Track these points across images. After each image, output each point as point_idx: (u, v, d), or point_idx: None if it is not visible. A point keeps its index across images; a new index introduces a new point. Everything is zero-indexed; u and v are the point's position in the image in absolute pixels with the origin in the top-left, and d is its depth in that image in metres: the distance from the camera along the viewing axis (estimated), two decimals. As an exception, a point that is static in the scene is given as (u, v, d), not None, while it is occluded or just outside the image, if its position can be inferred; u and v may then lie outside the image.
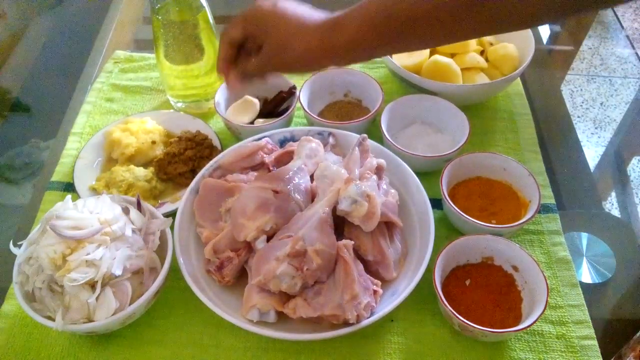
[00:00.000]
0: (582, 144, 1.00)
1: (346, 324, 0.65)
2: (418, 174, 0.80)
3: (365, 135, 0.79)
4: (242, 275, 0.73)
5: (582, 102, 2.12)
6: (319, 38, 0.64)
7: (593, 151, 1.88)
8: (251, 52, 0.70)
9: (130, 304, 0.66)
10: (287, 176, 0.74)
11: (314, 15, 0.66)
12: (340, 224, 0.72)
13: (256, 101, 0.95)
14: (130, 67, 1.11)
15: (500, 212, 0.81)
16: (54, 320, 0.64)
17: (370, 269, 0.71)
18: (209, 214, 0.76)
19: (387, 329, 0.73)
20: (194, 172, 0.85)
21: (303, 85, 0.95)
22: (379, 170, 0.76)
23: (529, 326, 0.66)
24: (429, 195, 0.77)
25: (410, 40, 0.63)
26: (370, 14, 0.62)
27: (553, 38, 1.29)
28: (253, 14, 0.68)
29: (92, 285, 0.65)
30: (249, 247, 0.71)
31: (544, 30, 1.26)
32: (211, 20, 0.93)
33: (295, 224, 0.68)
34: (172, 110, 0.99)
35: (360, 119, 0.90)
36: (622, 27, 2.47)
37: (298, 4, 0.67)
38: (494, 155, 0.84)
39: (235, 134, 0.93)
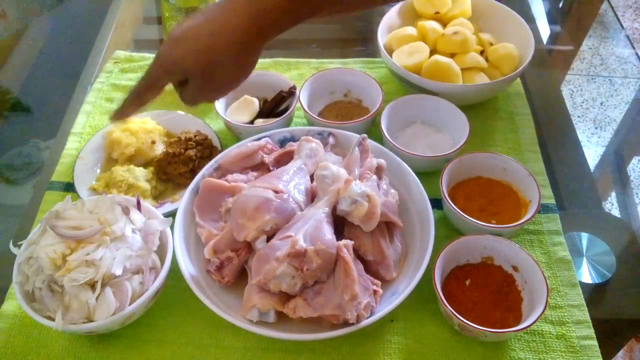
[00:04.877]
0: (582, 144, 1.00)
1: (346, 324, 0.65)
2: (418, 174, 0.80)
3: (365, 135, 0.79)
4: (242, 275, 0.73)
5: (582, 102, 2.12)
6: (242, 40, 0.61)
7: (593, 151, 1.88)
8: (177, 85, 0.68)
9: (130, 304, 0.66)
10: (287, 176, 0.74)
11: (223, 16, 0.61)
12: (340, 224, 0.72)
13: (256, 101, 0.95)
14: (130, 67, 1.11)
15: (500, 212, 0.81)
16: (54, 320, 0.64)
17: (370, 269, 0.71)
18: (209, 214, 0.76)
19: (387, 329, 0.73)
20: (194, 172, 0.85)
21: (303, 85, 0.95)
22: (379, 170, 0.76)
23: (529, 326, 0.66)
24: (429, 195, 0.77)
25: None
26: None
27: (553, 38, 1.29)
28: (170, 59, 0.64)
29: (92, 285, 0.65)
30: (249, 247, 0.71)
31: (544, 30, 1.26)
32: None
33: (295, 224, 0.68)
34: (172, 110, 0.99)
35: (360, 119, 0.90)
36: (622, 27, 2.47)
37: (205, 17, 0.63)
38: (494, 155, 0.84)
39: (235, 134, 0.93)
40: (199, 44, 0.61)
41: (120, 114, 0.69)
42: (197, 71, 0.63)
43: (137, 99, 0.68)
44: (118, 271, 0.65)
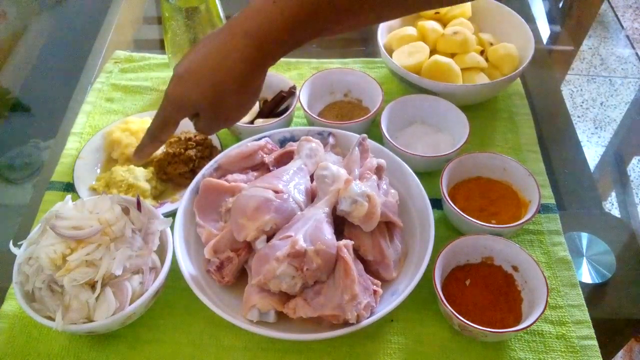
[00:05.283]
0: (582, 144, 1.00)
1: (346, 324, 0.65)
2: (418, 174, 0.80)
3: (365, 135, 0.79)
4: (242, 275, 0.73)
5: (582, 102, 2.12)
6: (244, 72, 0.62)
7: (593, 151, 1.88)
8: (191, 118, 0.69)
9: (130, 304, 0.66)
10: (287, 176, 0.74)
11: (225, 53, 0.62)
12: (340, 224, 0.72)
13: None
14: (130, 67, 1.11)
15: (500, 212, 0.81)
16: (54, 320, 0.64)
17: (370, 269, 0.71)
18: (209, 214, 0.76)
19: (387, 329, 0.73)
20: (194, 172, 0.85)
21: (303, 85, 0.95)
22: (379, 170, 0.76)
23: (529, 326, 0.66)
24: (429, 195, 0.77)
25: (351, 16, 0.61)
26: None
27: (553, 38, 1.29)
28: (178, 97, 0.65)
29: (92, 285, 0.65)
30: (249, 247, 0.71)
31: (544, 30, 1.26)
32: (219, 8, 0.93)
33: (295, 224, 0.68)
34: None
35: (360, 119, 0.90)
36: (622, 27, 2.47)
37: (205, 50, 0.63)
38: (494, 155, 0.84)
39: (235, 134, 0.93)
40: (204, 79, 0.63)
41: (141, 154, 0.70)
42: (205, 105, 0.64)
43: (154, 139, 0.69)
44: (118, 271, 0.65)
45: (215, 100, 0.64)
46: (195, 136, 0.90)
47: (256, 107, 0.95)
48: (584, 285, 0.78)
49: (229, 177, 0.79)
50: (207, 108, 0.65)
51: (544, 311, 0.66)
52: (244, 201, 0.70)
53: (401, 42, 1.01)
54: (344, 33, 0.66)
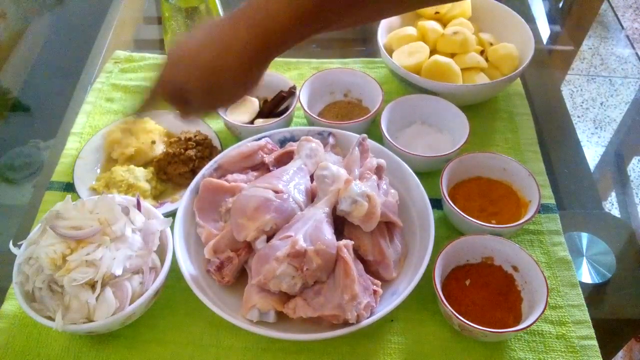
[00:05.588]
0: (582, 144, 1.00)
1: (346, 324, 0.65)
2: (418, 174, 0.80)
3: (365, 135, 0.79)
4: (242, 275, 0.73)
5: (582, 102, 2.12)
6: (248, 55, 0.60)
7: (593, 151, 1.88)
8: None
9: (130, 304, 0.66)
10: (287, 176, 0.74)
11: (226, 34, 0.61)
12: (340, 224, 0.72)
13: (256, 101, 0.95)
14: (130, 67, 1.11)
15: (500, 212, 0.81)
16: (54, 320, 0.64)
17: (370, 269, 0.71)
18: (209, 214, 0.76)
19: (387, 329, 0.73)
20: (194, 172, 0.85)
21: (303, 85, 0.95)
22: (379, 170, 0.76)
23: (529, 326, 0.66)
24: (429, 195, 0.77)
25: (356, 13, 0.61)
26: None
27: (553, 38, 1.29)
28: (172, 83, 0.64)
29: (92, 285, 0.65)
30: (249, 247, 0.71)
31: (544, 30, 1.26)
32: (219, 8, 0.93)
33: (295, 224, 0.68)
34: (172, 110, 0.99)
35: (360, 119, 0.90)
36: (622, 27, 2.47)
37: (205, 34, 0.62)
38: (494, 155, 0.84)
39: (235, 134, 0.93)
40: (202, 67, 0.61)
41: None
42: (200, 93, 0.63)
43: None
44: (118, 271, 0.65)
45: (212, 87, 0.62)
46: (195, 136, 0.90)
47: (256, 107, 0.95)
48: (584, 285, 0.78)
49: (229, 177, 0.79)
50: (201, 95, 0.63)
51: (544, 311, 0.66)
52: (244, 201, 0.70)
53: (401, 42, 1.01)
54: (346, 29, 0.65)
